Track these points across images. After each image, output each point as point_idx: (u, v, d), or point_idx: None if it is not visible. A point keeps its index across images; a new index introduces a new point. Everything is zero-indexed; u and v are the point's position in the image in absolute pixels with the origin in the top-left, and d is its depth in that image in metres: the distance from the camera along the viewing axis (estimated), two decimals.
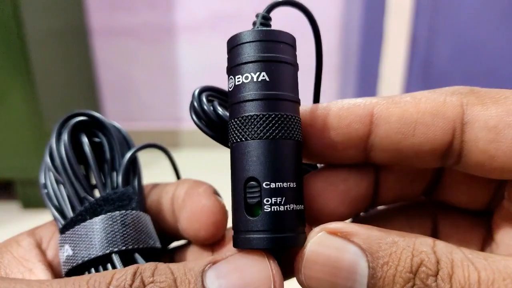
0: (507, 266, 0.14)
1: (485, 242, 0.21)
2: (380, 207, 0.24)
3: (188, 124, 1.60)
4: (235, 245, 0.17)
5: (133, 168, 0.24)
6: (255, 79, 0.17)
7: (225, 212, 0.22)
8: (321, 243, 0.16)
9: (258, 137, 0.17)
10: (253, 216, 0.17)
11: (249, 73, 0.17)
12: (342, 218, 0.20)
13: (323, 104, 0.19)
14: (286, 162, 0.17)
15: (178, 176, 0.28)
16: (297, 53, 0.19)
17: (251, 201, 0.17)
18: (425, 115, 0.18)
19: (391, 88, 1.16)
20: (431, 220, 0.23)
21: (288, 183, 0.17)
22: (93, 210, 0.21)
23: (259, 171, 0.17)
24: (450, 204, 0.22)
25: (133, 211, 0.21)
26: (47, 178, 0.23)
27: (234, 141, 0.18)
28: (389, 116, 0.18)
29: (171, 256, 0.24)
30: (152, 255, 0.22)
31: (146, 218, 0.22)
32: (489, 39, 1.09)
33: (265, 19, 0.18)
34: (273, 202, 0.16)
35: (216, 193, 0.23)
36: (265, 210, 0.16)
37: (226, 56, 0.19)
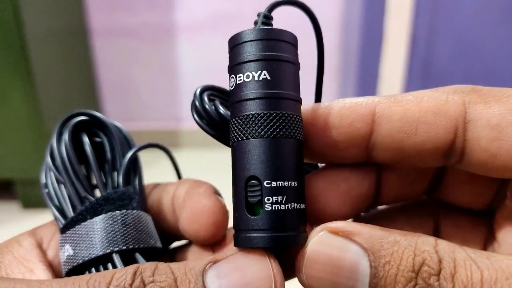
0: (510, 265, 0.14)
1: (487, 242, 0.21)
2: (381, 207, 0.24)
3: (188, 124, 1.60)
4: (235, 244, 0.17)
5: (134, 167, 0.24)
6: (256, 78, 0.17)
7: (225, 212, 0.22)
8: (323, 242, 0.16)
9: (259, 136, 0.17)
10: (254, 215, 0.17)
11: (250, 72, 0.17)
12: (343, 218, 0.20)
13: (324, 103, 0.19)
14: (287, 161, 0.17)
15: (179, 176, 0.28)
16: (298, 52, 0.19)
17: (252, 199, 0.17)
18: (427, 113, 0.18)
19: (391, 88, 1.16)
20: (433, 220, 0.23)
21: (289, 182, 0.17)
22: (94, 210, 0.21)
23: (260, 169, 0.17)
24: (452, 203, 0.22)
25: (134, 211, 0.21)
26: (48, 177, 0.23)
27: (235, 140, 0.18)
28: (391, 115, 0.18)
29: (172, 256, 0.24)
30: (153, 255, 0.22)
31: (147, 218, 0.22)
32: (489, 39, 1.09)
33: (267, 18, 0.18)
34: (274, 201, 0.16)
35: (216, 193, 0.23)
36: (266, 208, 0.16)
37: (226, 56, 0.19)
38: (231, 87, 0.18)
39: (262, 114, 0.17)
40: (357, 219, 0.23)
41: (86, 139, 0.23)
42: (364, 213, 0.23)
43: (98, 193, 0.23)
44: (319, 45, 0.20)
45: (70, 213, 0.22)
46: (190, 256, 0.23)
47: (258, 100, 0.17)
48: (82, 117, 0.23)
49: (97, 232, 0.20)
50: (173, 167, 0.28)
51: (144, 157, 0.27)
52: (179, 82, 1.55)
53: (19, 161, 1.07)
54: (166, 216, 0.24)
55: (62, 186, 0.23)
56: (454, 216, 0.22)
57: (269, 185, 0.17)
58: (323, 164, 0.22)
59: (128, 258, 0.20)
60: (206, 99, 0.21)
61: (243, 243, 0.17)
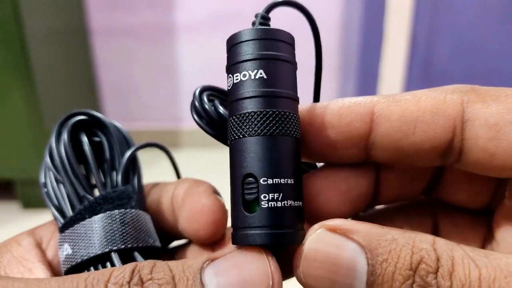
0: (509, 263, 0.14)
1: (485, 241, 0.21)
2: (379, 207, 0.24)
3: (188, 124, 1.60)
4: (233, 242, 0.17)
5: (132, 167, 0.24)
6: (252, 77, 0.17)
7: (225, 211, 0.22)
8: (320, 240, 0.16)
9: (256, 133, 0.17)
10: (250, 212, 0.17)
11: (247, 71, 0.17)
12: (342, 217, 0.20)
13: (323, 102, 0.19)
14: (284, 159, 0.17)
15: (178, 176, 0.28)
16: (297, 53, 0.19)
17: (249, 197, 0.17)
18: (425, 113, 0.18)
19: (391, 88, 1.16)
20: (432, 219, 0.23)
21: (286, 179, 0.17)
22: (92, 209, 0.21)
23: (256, 167, 0.17)
24: (450, 203, 0.22)
25: (133, 210, 0.21)
26: (47, 177, 0.23)
27: (232, 138, 0.18)
28: (389, 115, 0.18)
29: (171, 255, 0.24)
30: (151, 254, 0.22)
31: (146, 217, 0.22)
32: (489, 39, 1.09)
33: (264, 19, 0.18)
34: (270, 198, 0.17)
35: (216, 192, 0.23)
36: (262, 206, 0.17)
37: (226, 56, 0.19)
38: (229, 86, 0.18)
39: (258, 112, 0.17)
40: (356, 218, 0.23)
41: (85, 139, 0.23)
42: (362, 212, 0.23)
43: (97, 192, 0.23)
44: (317, 46, 0.20)
45: (69, 212, 0.22)
46: (190, 255, 0.23)
47: (254, 98, 0.17)
48: (81, 117, 0.23)
49: (95, 231, 0.20)
50: (172, 166, 0.28)
51: (144, 156, 0.27)
52: (179, 82, 1.55)
53: (19, 161, 1.07)
54: (165, 215, 0.24)
55: (61, 186, 0.23)
56: (452, 215, 0.22)
57: (265, 182, 0.17)
58: (321, 164, 0.22)
59: (126, 257, 0.21)
60: (205, 99, 0.21)
61: (240, 241, 0.17)
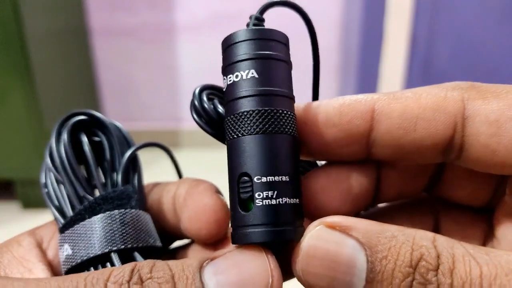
0: (509, 261, 0.14)
1: (486, 238, 0.21)
2: (380, 205, 0.24)
3: (188, 124, 1.60)
4: (233, 242, 0.18)
5: (133, 166, 0.24)
6: (245, 77, 0.17)
7: (227, 211, 0.22)
8: (319, 237, 0.16)
9: (250, 132, 0.17)
10: (246, 211, 0.17)
11: (239, 72, 0.18)
12: (344, 215, 0.20)
13: (323, 100, 0.19)
14: (279, 156, 0.17)
15: (179, 175, 0.28)
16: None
17: (244, 196, 0.17)
18: (426, 110, 0.18)
19: (391, 88, 1.16)
20: (433, 217, 0.22)
21: (280, 177, 0.17)
22: (92, 209, 0.21)
23: (250, 166, 0.17)
24: (451, 200, 0.22)
25: (132, 210, 0.21)
26: (47, 178, 0.23)
27: (228, 138, 0.18)
28: (390, 112, 0.18)
29: (173, 255, 0.24)
30: (152, 254, 0.22)
31: (146, 217, 0.22)
32: (489, 39, 1.09)
33: (258, 19, 0.19)
34: (264, 196, 0.17)
35: (218, 191, 0.23)
36: (257, 204, 0.17)
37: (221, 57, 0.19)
38: (224, 88, 0.18)
39: (250, 112, 0.17)
40: (357, 217, 0.23)
41: (84, 139, 0.23)
42: (364, 211, 0.23)
43: (98, 192, 0.23)
44: (313, 45, 0.20)
45: (70, 213, 0.22)
46: (191, 255, 0.23)
47: (248, 98, 0.17)
48: (81, 117, 0.23)
49: (95, 231, 0.20)
50: (174, 166, 0.28)
51: (144, 156, 0.27)
52: (179, 82, 1.55)
53: (19, 161, 1.07)
54: (166, 215, 0.24)
55: (62, 186, 0.23)
56: (453, 213, 0.22)
57: (260, 180, 0.17)
58: (321, 162, 0.22)
59: (126, 258, 0.20)
60: (205, 98, 0.21)
61: (238, 240, 0.17)
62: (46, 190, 0.23)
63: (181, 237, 0.24)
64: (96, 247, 0.20)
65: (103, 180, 0.24)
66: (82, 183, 0.22)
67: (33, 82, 0.99)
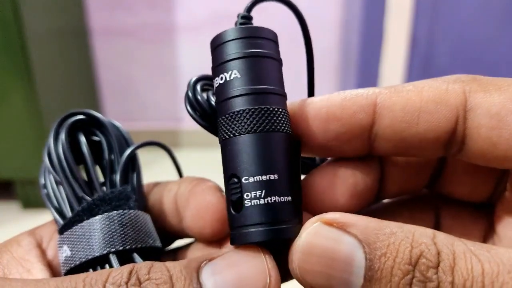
0: (511, 258, 0.14)
1: (487, 235, 0.21)
2: (382, 202, 0.23)
3: (188, 124, 1.60)
4: (231, 242, 0.18)
5: (132, 166, 0.24)
6: (232, 77, 0.17)
7: None
8: (317, 234, 0.15)
9: (239, 132, 0.17)
10: (238, 212, 0.17)
11: (228, 71, 0.17)
12: (351, 212, 0.20)
13: (325, 95, 0.19)
14: (267, 155, 0.17)
15: (180, 174, 0.27)
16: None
17: (234, 197, 0.17)
18: (428, 103, 0.18)
19: None
20: (434, 214, 0.22)
21: (268, 176, 0.17)
22: (90, 211, 0.21)
23: (238, 166, 0.17)
24: (452, 197, 0.22)
25: (131, 211, 0.21)
26: (47, 178, 0.23)
27: (220, 139, 0.18)
28: (392, 105, 0.18)
29: (174, 255, 0.24)
30: (152, 254, 0.22)
31: (145, 217, 0.22)
32: (489, 39, 1.09)
33: (246, 18, 0.18)
34: (252, 196, 0.17)
35: (220, 190, 0.23)
36: (245, 204, 0.17)
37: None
38: (215, 88, 0.18)
39: (241, 111, 0.17)
40: (357, 213, 0.23)
41: (83, 139, 0.23)
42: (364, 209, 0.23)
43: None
44: (306, 38, 0.20)
45: (69, 214, 0.22)
46: (193, 254, 0.23)
47: (238, 97, 0.17)
48: (79, 116, 0.23)
49: (94, 233, 0.20)
50: (174, 165, 0.28)
51: (144, 156, 0.27)
52: (179, 82, 1.55)
53: (19, 161, 1.07)
54: (168, 214, 0.23)
55: (61, 187, 0.22)
56: (454, 209, 0.22)
57: (247, 181, 0.17)
58: (319, 159, 0.22)
59: (125, 259, 0.20)
60: (199, 89, 0.20)
61: (235, 240, 0.17)
62: (45, 191, 0.23)
63: (183, 236, 0.24)
64: (94, 249, 0.20)
65: (102, 180, 0.24)
66: (81, 183, 0.22)
67: (33, 82, 0.99)
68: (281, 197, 0.17)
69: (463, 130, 0.18)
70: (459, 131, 0.18)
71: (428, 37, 1.12)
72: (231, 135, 0.17)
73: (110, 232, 0.20)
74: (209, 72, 0.20)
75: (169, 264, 0.16)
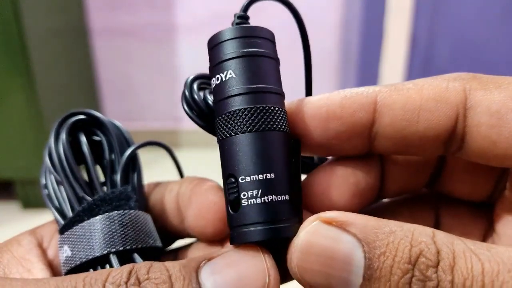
0: (511, 257, 0.14)
1: (486, 234, 0.21)
2: (382, 201, 0.23)
3: (187, 124, 1.60)
4: (230, 242, 0.18)
5: (132, 166, 0.24)
6: (228, 76, 0.17)
7: None
8: (316, 233, 0.15)
9: (236, 132, 0.17)
10: (235, 211, 0.17)
11: (226, 71, 0.17)
12: (352, 211, 0.20)
13: (324, 94, 0.19)
14: (263, 154, 0.17)
15: (181, 174, 0.27)
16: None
17: (231, 196, 0.17)
18: (428, 101, 0.18)
19: None
20: (434, 213, 0.22)
21: (265, 175, 0.17)
22: (91, 211, 0.21)
23: (235, 166, 0.17)
24: (452, 196, 0.22)
25: (131, 211, 0.21)
26: (47, 178, 0.23)
27: (218, 139, 0.18)
28: (392, 103, 0.18)
29: (175, 255, 0.24)
30: (153, 254, 0.22)
31: (146, 217, 0.22)
32: (489, 39, 1.09)
33: (242, 18, 0.18)
34: (249, 195, 0.17)
35: (222, 189, 0.23)
36: (242, 204, 0.17)
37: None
38: (212, 88, 0.18)
39: (236, 111, 0.17)
40: (358, 212, 0.23)
41: (83, 139, 0.23)
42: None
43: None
44: (303, 39, 0.20)
45: (70, 214, 0.22)
46: (194, 254, 0.23)
47: (236, 96, 0.17)
48: (80, 116, 0.23)
49: (94, 233, 0.20)
50: (175, 165, 0.28)
51: (144, 156, 0.27)
52: (179, 82, 1.55)
53: (19, 161, 1.07)
54: (169, 214, 0.23)
55: (62, 187, 0.22)
56: (454, 208, 0.22)
57: (244, 180, 0.17)
58: (317, 157, 0.22)
59: (126, 259, 0.20)
60: (196, 88, 0.20)
61: (234, 240, 0.17)
62: (46, 191, 0.23)
63: (184, 236, 0.24)
64: (95, 249, 0.20)
65: (103, 180, 0.24)
66: (81, 183, 0.22)
67: (33, 82, 0.99)
68: (278, 196, 0.17)
69: (463, 128, 0.18)
70: (459, 129, 0.18)
71: (428, 37, 1.12)
72: (228, 135, 0.17)
73: (111, 232, 0.20)
74: (208, 72, 0.20)
75: (168, 264, 0.16)
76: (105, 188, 0.23)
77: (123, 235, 0.20)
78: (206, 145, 1.44)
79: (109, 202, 0.21)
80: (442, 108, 0.17)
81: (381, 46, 1.15)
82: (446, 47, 1.12)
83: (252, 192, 0.17)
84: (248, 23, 0.18)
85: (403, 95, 0.18)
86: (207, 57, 0.19)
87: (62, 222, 0.22)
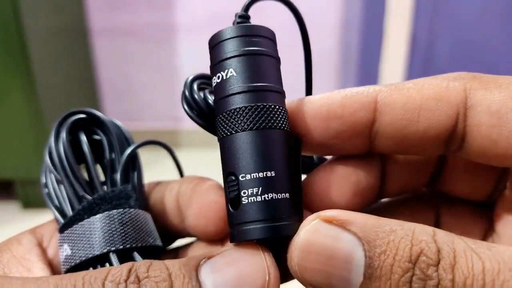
0: None
1: (486, 233, 0.21)
2: (382, 201, 0.23)
3: (187, 124, 1.60)
4: (230, 240, 0.18)
5: (132, 165, 0.24)
6: (229, 75, 0.17)
7: None
8: (316, 231, 0.15)
9: (236, 130, 0.17)
10: (236, 209, 0.17)
11: (226, 69, 0.18)
12: (353, 211, 0.20)
13: (325, 94, 0.19)
14: (264, 152, 0.17)
15: (181, 173, 0.27)
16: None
17: (232, 194, 0.17)
18: (428, 100, 0.18)
19: None
20: (434, 212, 0.22)
21: (265, 173, 0.17)
22: (91, 209, 0.21)
23: (235, 164, 0.17)
24: (452, 195, 0.22)
25: (131, 210, 0.21)
26: (48, 177, 0.23)
27: (218, 137, 0.18)
28: (393, 103, 0.18)
29: (176, 254, 0.24)
30: (153, 253, 0.22)
31: (146, 216, 0.22)
32: (489, 39, 1.09)
33: (243, 17, 0.18)
34: (249, 193, 0.17)
35: (222, 189, 0.23)
36: (243, 202, 0.17)
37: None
38: (213, 87, 0.19)
39: (237, 109, 0.17)
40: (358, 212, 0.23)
41: (83, 138, 0.23)
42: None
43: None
44: (304, 38, 0.20)
45: (70, 213, 0.22)
46: (194, 253, 0.23)
47: (236, 95, 0.17)
48: (80, 115, 0.23)
49: (94, 232, 0.20)
50: (175, 164, 0.28)
51: (145, 156, 0.27)
52: (179, 82, 1.55)
53: (19, 161, 1.07)
54: (169, 214, 0.23)
55: (62, 186, 0.22)
56: (454, 208, 0.22)
57: (244, 178, 0.17)
58: (319, 158, 0.22)
59: (126, 257, 0.20)
60: (195, 88, 0.21)
61: (234, 238, 0.17)
62: (46, 190, 0.23)
63: (184, 235, 0.24)
64: (95, 248, 0.20)
65: (103, 179, 0.24)
66: (81, 182, 0.22)
67: (33, 82, 0.99)
68: (279, 194, 0.17)
69: (463, 128, 0.18)
70: (459, 128, 0.18)
71: (428, 37, 1.12)
72: (228, 133, 0.17)
73: (111, 231, 0.20)
74: (208, 72, 0.20)
75: (168, 262, 0.16)
76: (105, 187, 0.23)
77: (123, 234, 0.20)
78: (206, 145, 1.44)
79: (109, 201, 0.21)
80: (442, 107, 0.17)
81: (381, 46, 1.15)
82: (446, 47, 1.12)
83: (252, 190, 0.17)
84: (249, 22, 0.19)
85: (404, 95, 0.18)
86: (207, 57, 0.19)
87: (62, 221, 0.22)
